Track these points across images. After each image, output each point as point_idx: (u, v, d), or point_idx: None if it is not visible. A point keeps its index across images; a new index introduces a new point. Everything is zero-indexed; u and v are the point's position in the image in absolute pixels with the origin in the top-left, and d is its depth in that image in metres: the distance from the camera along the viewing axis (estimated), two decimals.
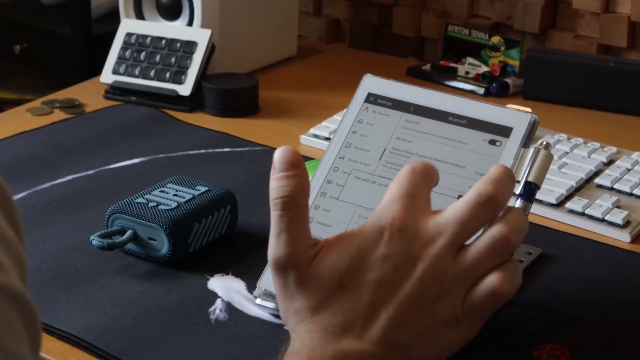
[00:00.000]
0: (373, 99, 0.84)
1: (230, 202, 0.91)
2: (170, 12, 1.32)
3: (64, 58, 1.60)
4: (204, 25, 1.28)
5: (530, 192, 0.76)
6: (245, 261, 0.89)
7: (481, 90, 1.31)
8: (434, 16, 1.48)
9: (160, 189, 0.91)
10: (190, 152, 1.12)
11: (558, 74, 1.28)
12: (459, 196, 0.75)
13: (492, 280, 0.69)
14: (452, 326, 0.69)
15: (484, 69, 1.35)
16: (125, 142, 1.14)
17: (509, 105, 0.85)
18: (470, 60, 1.36)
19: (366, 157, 0.82)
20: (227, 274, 0.87)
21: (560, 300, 0.84)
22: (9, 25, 1.67)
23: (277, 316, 0.78)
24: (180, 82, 1.24)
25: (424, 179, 0.70)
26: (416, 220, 0.69)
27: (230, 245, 0.91)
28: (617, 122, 1.24)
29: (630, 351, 0.77)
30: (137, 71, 1.27)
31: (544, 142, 0.78)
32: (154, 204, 0.88)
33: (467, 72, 1.36)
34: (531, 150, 0.77)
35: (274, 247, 0.70)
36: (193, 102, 1.25)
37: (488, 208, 0.69)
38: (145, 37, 1.28)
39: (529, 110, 0.83)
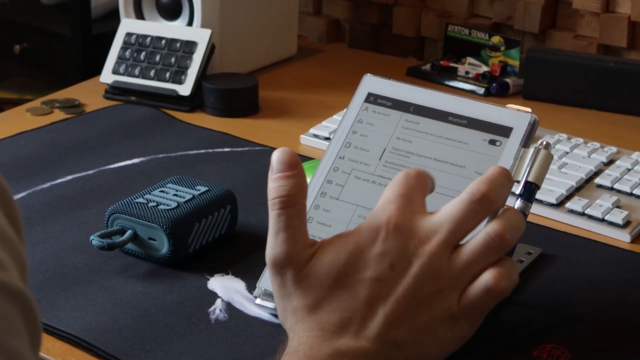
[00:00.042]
0: (373, 98, 0.84)
1: (230, 202, 0.91)
2: (170, 12, 1.32)
3: (64, 58, 1.60)
4: (204, 25, 1.28)
5: (530, 192, 0.76)
6: (245, 261, 0.89)
7: (481, 90, 1.31)
8: (434, 16, 1.48)
9: (160, 189, 0.91)
10: (190, 152, 1.12)
11: (558, 74, 1.28)
12: None
13: (487, 277, 0.69)
14: (450, 324, 0.69)
15: (484, 69, 1.35)
16: (125, 142, 1.14)
17: (509, 105, 0.85)
18: (470, 60, 1.36)
19: (366, 157, 0.82)
20: (227, 274, 0.87)
21: (560, 300, 0.84)
22: (9, 25, 1.67)
23: (277, 316, 0.78)
24: (180, 82, 1.24)
25: (418, 183, 0.71)
26: (411, 219, 0.70)
27: (230, 245, 0.91)
28: (617, 122, 1.24)
29: (630, 351, 0.77)
30: (137, 71, 1.27)
31: (544, 142, 0.78)
32: (154, 204, 0.88)
33: (467, 72, 1.36)
34: (531, 150, 0.77)
35: (272, 246, 0.70)
36: (193, 102, 1.25)
37: (481, 206, 0.70)
38: (145, 37, 1.28)
39: (529, 110, 0.83)
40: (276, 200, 0.70)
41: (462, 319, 0.69)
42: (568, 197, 1.00)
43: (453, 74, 1.36)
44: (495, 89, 1.31)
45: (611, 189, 1.02)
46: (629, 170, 1.05)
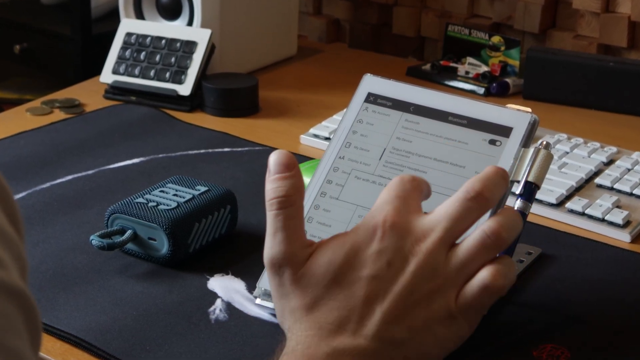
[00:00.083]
0: (373, 98, 0.84)
1: (230, 202, 0.91)
2: (170, 12, 1.32)
3: (64, 58, 1.60)
4: (204, 25, 1.28)
5: (530, 192, 0.76)
6: (245, 261, 0.89)
7: (481, 90, 1.31)
8: (434, 16, 1.48)
9: (160, 189, 0.91)
10: (190, 152, 1.12)
11: (558, 74, 1.28)
12: None
13: (484, 274, 0.69)
14: (447, 323, 0.69)
15: (484, 68, 1.35)
16: (125, 142, 1.14)
17: (509, 105, 0.85)
18: (470, 60, 1.36)
19: (366, 157, 0.82)
20: (227, 274, 0.87)
21: (560, 300, 0.84)
22: (9, 25, 1.67)
23: None
24: (180, 82, 1.24)
25: (413, 187, 0.72)
26: (408, 218, 0.70)
27: (230, 245, 0.91)
28: (617, 122, 1.24)
29: (630, 351, 0.77)
30: (137, 71, 1.27)
31: (544, 142, 0.78)
32: (154, 203, 0.88)
33: (467, 72, 1.36)
34: (531, 150, 0.77)
35: (270, 246, 0.71)
36: (193, 102, 1.25)
37: (476, 203, 0.70)
38: (145, 37, 1.28)
39: (529, 110, 0.83)
40: (274, 201, 0.71)
41: (460, 317, 0.70)
42: (568, 197, 1.00)
43: (453, 74, 1.36)
44: (495, 89, 1.31)
45: (611, 189, 1.02)
46: (629, 170, 1.05)
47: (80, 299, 0.83)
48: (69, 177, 1.05)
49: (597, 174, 1.05)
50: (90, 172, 1.06)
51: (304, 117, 1.23)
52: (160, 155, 1.11)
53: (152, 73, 1.26)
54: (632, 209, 0.98)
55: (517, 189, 0.76)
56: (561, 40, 1.38)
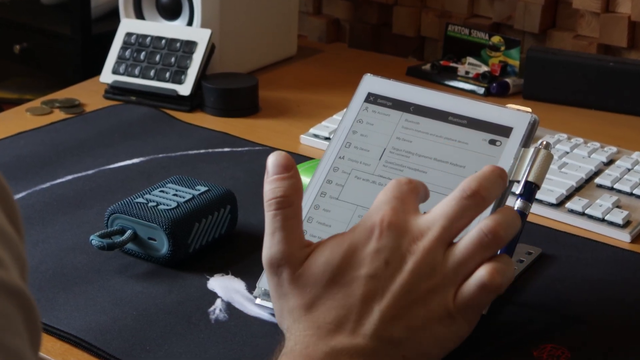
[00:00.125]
0: (373, 98, 0.84)
1: (230, 202, 0.91)
2: (170, 11, 1.32)
3: (64, 58, 1.60)
4: (203, 25, 1.28)
5: (530, 192, 0.76)
6: (245, 261, 0.89)
7: (481, 90, 1.31)
8: (434, 16, 1.48)
9: (160, 189, 0.91)
10: (190, 152, 1.12)
11: (558, 74, 1.28)
12: None
13: (481, 273, 0.69)
14: (446, 322, 0.69)
15: (484, 68, 1.35)
16: (125, 142, 1.14)
17: (509, 105, 0.85)
18: (470, 60, 1.36)
19: (366, 157, 0.82)
20: (227, 274, 0.87)
21: (560, 300, 0.84)
22: (9, 25, 1.67)
23: None
24: (180, 82, 1.24)
25: (410, 189, 0.72)
26: (405, 218, 0.70)
27: (230, 245, 0.91)
28: (617, 122, 1.24)
29: (631, 351, 0.77)
30: (137, 71, 1.27)
31: (544, 142, 0.78)
32: (154, 203, 0.88)
33: (467, 72, 1.36)
34: (531, 150, 0.77)
35: (268, 246, 0.71)
36: (193, 102, 1.24)
37: (472, 202, 0.70)
38: (145, 37, 1.28)
39: (529, 110, 0.83)
40: (272, 201, 0.71)
41: (458, 316, 0.70)
42: (568, 197, 1.00)
43: (453, 74, 1.36)
44: (495, 89, 1.31)
45: (611, 188, 1.02)
46: (629, 170, 1.05)
47: (80, 299, 0.83)
48: (69, 177, 1.05)
49: (597, 174, 1.05)
50: (90, 172, 1.06)
51: (304, 117, 1.23)
52: (160, 155, 1.11)
53: (152, 73, 1.26)
54: (632, 209, 0.98)
55: (517, 188, 0.76)
56: (561, 40, 1.38)
